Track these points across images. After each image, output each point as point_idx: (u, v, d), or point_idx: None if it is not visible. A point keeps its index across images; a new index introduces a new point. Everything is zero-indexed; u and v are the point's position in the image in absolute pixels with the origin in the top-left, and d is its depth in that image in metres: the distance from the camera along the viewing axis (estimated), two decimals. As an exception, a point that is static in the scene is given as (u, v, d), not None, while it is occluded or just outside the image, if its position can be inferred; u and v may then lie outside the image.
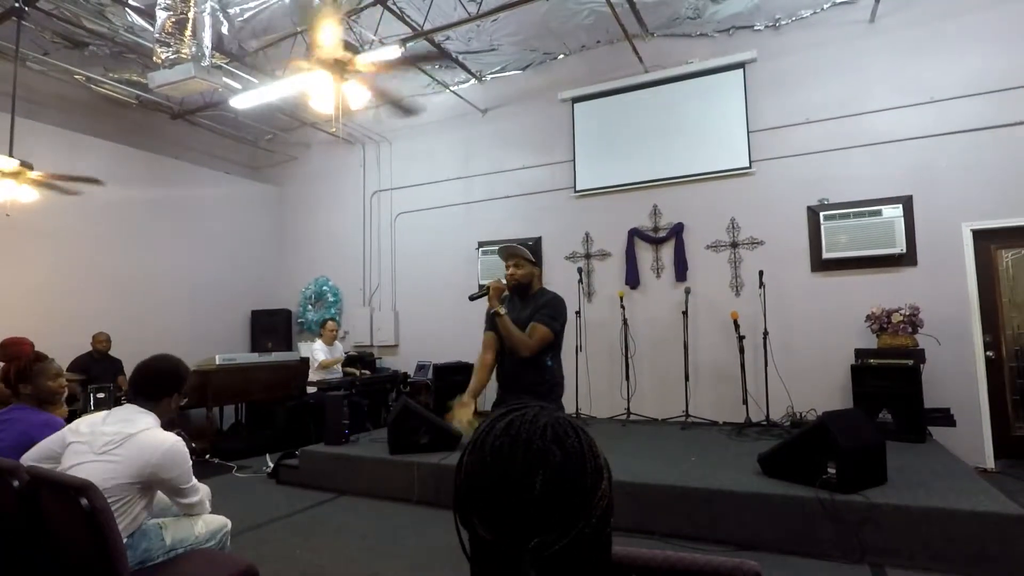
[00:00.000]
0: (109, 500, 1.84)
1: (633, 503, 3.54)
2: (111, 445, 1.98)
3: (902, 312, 4.93)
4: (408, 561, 3.31)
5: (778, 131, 5.86)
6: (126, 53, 6.06)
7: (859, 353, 5.09)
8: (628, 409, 5.96)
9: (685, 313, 5.87)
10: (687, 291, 5.95)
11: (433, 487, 4.27)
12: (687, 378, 5.73)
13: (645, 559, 0.97)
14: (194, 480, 2.20)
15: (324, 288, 8.44)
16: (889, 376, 4.74)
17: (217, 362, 6.01)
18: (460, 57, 6.31)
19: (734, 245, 5.97)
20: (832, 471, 3.22)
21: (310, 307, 8.48)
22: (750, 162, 5.92)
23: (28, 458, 2.16)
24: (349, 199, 8.45)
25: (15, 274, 5.93)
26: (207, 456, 5.71)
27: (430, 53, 5.56)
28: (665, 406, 5.96)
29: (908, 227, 5.22)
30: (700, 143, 6.18)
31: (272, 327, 8.28)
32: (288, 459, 5.06)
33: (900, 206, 5.24)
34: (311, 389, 6.28)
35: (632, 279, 6.34)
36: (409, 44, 5.64)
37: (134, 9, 5.26)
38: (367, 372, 6.96)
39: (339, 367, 6.60)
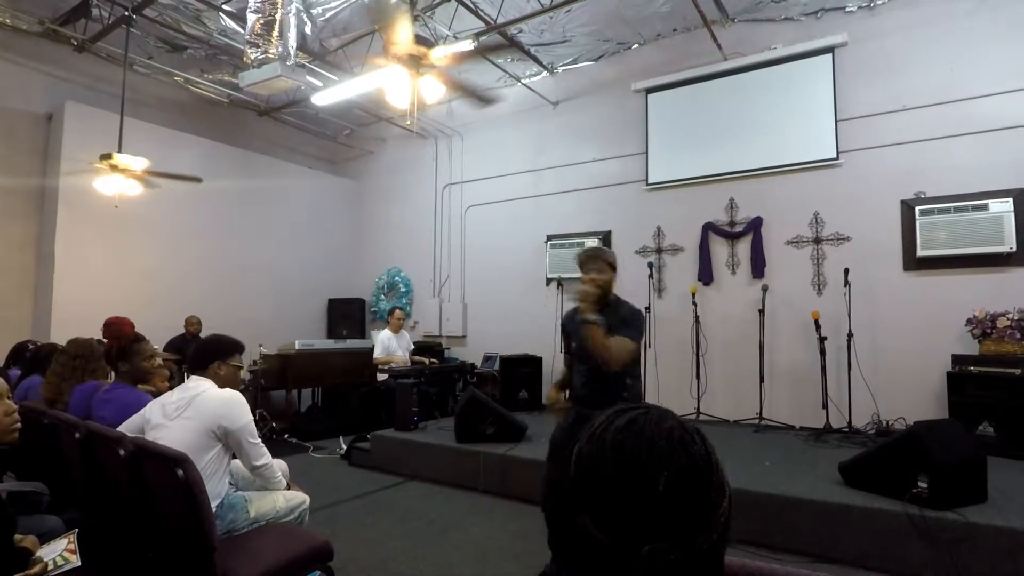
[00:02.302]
0: (200, 458, 2.07)
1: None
2: (180, 409, 2.23)
3: (1009, 316, 4.51)
4: (472, 548, 3.36)
5: (870, 119, 5.47)
6: (219, 55, 6.45)
7: (957, 360, 4.70)
8: (698, 408, 5.79)
9: (761, 311, 5.62)
10: (764, 288, 5.69)
11: (498, 477, 4.32)
12: (762, 379, 5.49)
13: (750, 572, 0.91)
14: (259, 441, 2.34)
15: (396, 279, 8.70)
16: (992, 386, 4.35)
17: (296, 347, 6.33)
18: (532, 49, 6.29)
19: (817, 241, 5.65)
20: (923, 485, 2.99)
21: (383, 297, 8.77)
22: (837, 153, 5.57)
23: (121, 430, 2.37)
24: (421, 192, 8.64)
25: (121, 260, 6.47)
26: (286, 435, 6.03)
27: (500, 43, 5.57)
28: (737, 407, 5.74)
29: (1020, 223, 4.75)
30: (782, 133, 5.87)
31: (348, 315, 8.63)
32: (360, 442, 5.27)
33: (1010, 200, 4.77)
34: (382, 376, 6.49)
35: (705, 275, 6.14)
36: (482, 38, 5.69)
37: (227, 13, 5.59)
38: (435, 361, 7.11)
39: (406, 355, 6.77)
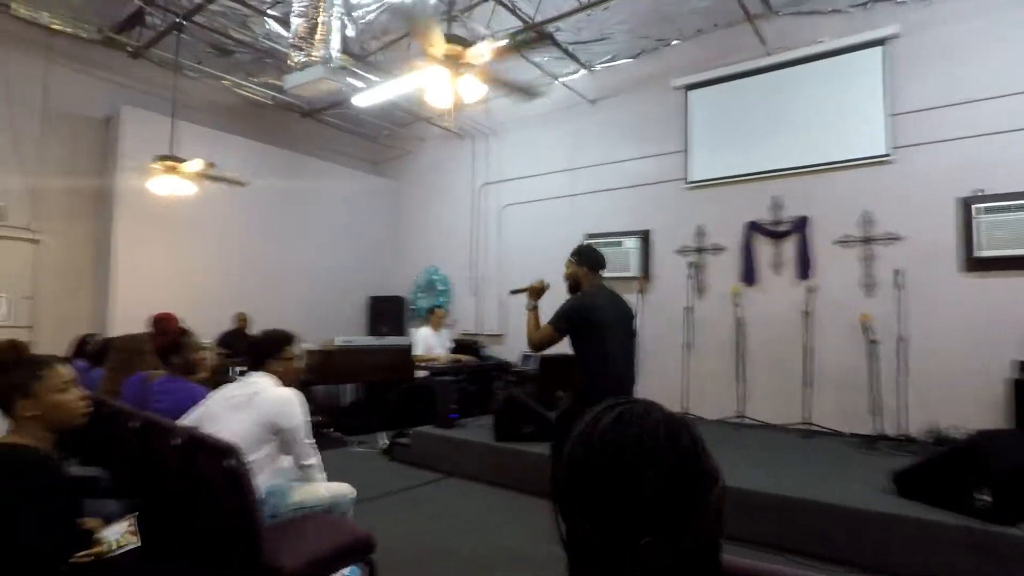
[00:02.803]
0: (253, 449, 2.19)
1: (743, 512, 3.35)
2: (241, 403, 2.35)
3: (1078, 320, 4.26)
4: (509, 547, 3.37)
5: (924, 114, 5.25)
6: (264, 58, 6.63)
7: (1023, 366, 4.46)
8: (742, 413, 5.66)
9: (807, 313, 5.46)
10: (810, 289, 5.53)
11: (536, 476, 4.30)
12: (808, 383, 5.33)
13: (758, 571, 0.91)
14: (312, 441, 2.44)
15: (434, 277, 8.79)
16: (1059, 393, 4.12)
17: (337, 343, 6.46)
18: (570, 47, 6.26)
19: (867, 241, 5.45)
20: (985, 498, 2.85)
21: (421, 295, 8.87)
22: (888, 149, 5.36)
23: (183, 422, 2.46)
24: (459, 191, 8.71)
25: (173, 258, 6.73)
26: (329, 429, 6.16)
27: (534, 38, 5.55)
28: (782, 411, 5.59)
29: (1090, 221, 4.49)
30: (828, 130, 5.69)
31: (387, 313, 8.76)
32: (401, 438, 5.34)
33: (1080, 197, 4.51)
34: (421, 373, 6.56)
35: (748, 275, 5.99)
36: (519, 37, 5.70)
37: (272, 18, 5.75)
38: (474, 359, 7.15)
39: (445, 353, 6.83)
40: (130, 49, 6.33)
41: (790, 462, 4.14)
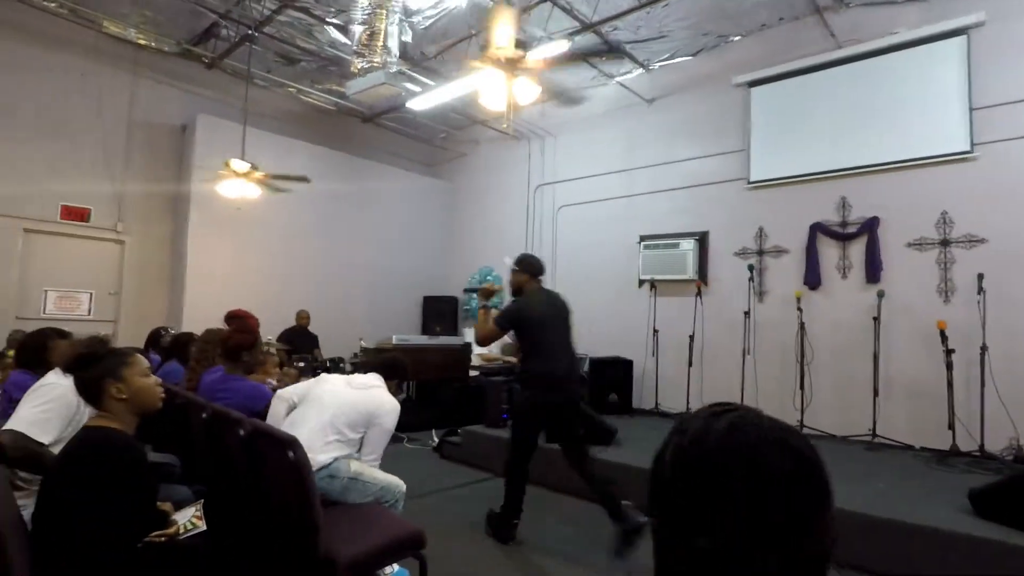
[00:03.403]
0: (343, 424, 2.61)
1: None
2: (362, 387, 2.79)
3: None
4: (559, 550, 3.36)
5: (1012, 107, 4.88)
6: (328, 66, 6.88)
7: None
8: (801, 421, 5.42)
9: (876, 319, 5.18)
10: (880, 294, 5.24)
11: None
12: (876, 392, 5.06)
13: None
14: (383, 445, 2.78)
15: (488, 278, 8.86)
16: None
17: (393, 341, 6.61)
18: (627, 46, 6.18)
19: (945, 243, 5.12)
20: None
21: (475, 296, 8.97)
22: (971, 145, 5.01)
23: (285, 393, 2.84)
24: (514, 193, 8.75)
25: (241, 258, 7.08)
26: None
27: (598, 48, 5.53)
28: (846, 421, 5.32)
29: None
30: (902, 125, 5.37)
31: (441, 313, 8.90)
32: (452, 436, 5.42)
33: None
34: (474, 372, 6.64)
35: (813, 278, 5.74)
36: (576, 37, 5.68)
37: (335, 26, 5.95)
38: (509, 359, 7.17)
39: (498, 351, 6.88)
40: (206, 60, 6.72)
41: (855, 475, 3.94)
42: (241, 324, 3.26)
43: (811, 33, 5.60)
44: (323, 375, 2.93)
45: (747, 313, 5.90)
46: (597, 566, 3.15)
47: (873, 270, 5.40)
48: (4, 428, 2.18)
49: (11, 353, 3.67)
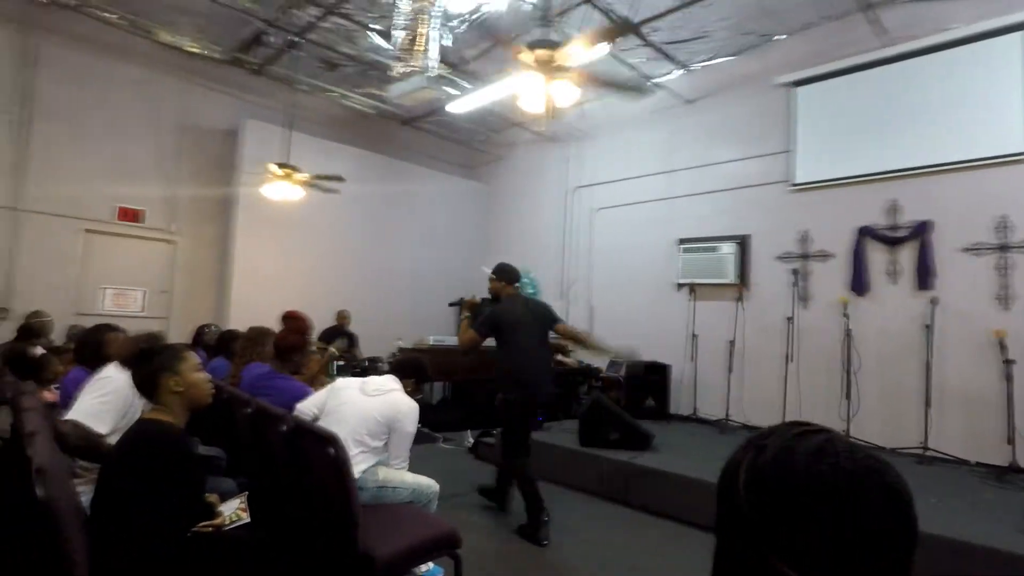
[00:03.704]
0: (365, 434, 2.58)
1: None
2: (377, 393, 2.71)
3: None
4: (591, 553, 3.34)
5: (1079, 105, 4.63)
6: (369, 71, 7.01)
7: None
8: (847, 431, 5.24)
9: (929, 327, 4.98)
10: (933, 301, 5.03)
11: (621, 484, 4.24)
12: (928, 403, 4.85)
13: None
14: (408, 448, 2.74)
15: (524, 280, 8.86)
16: None
17: (429, 342, 6.69)
18: (666, 47, 6.10)
19: (1003, 248, 4.87)
20: None
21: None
22: (1032, 146, 4.77)
23: (303, 406, 2.80)
24: (550, 195, 8.74)
25: (284, 259, 7.28)
26: (419, 425, 6.40)
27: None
28: (895, 433, 5.12)
29: None
30: (957, 126, 5.15)
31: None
32: (486, 437, 5.44)
33: None
34: (508, 375, 6.63)
35: (859, 284, 5.55)
36: (615, 39, 5.63)
37: (376, 32, 6.06)
38: (564, 361, 7.14)
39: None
40: (253, 67, 6.93)
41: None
42: (295, 325, 3.37)
43: (859, 31, 5.43)
44: (338, 383, 2.85)
45: (790, 319, 5.75)
46: (632, 569, 3.11)
47: (925, 276, 5.19)
48: (64, 418, 2.30)
49: (71, 346, 3.87)
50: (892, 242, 5.43)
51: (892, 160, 5.48)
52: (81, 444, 2.21)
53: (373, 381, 2.82)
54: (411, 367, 2.97)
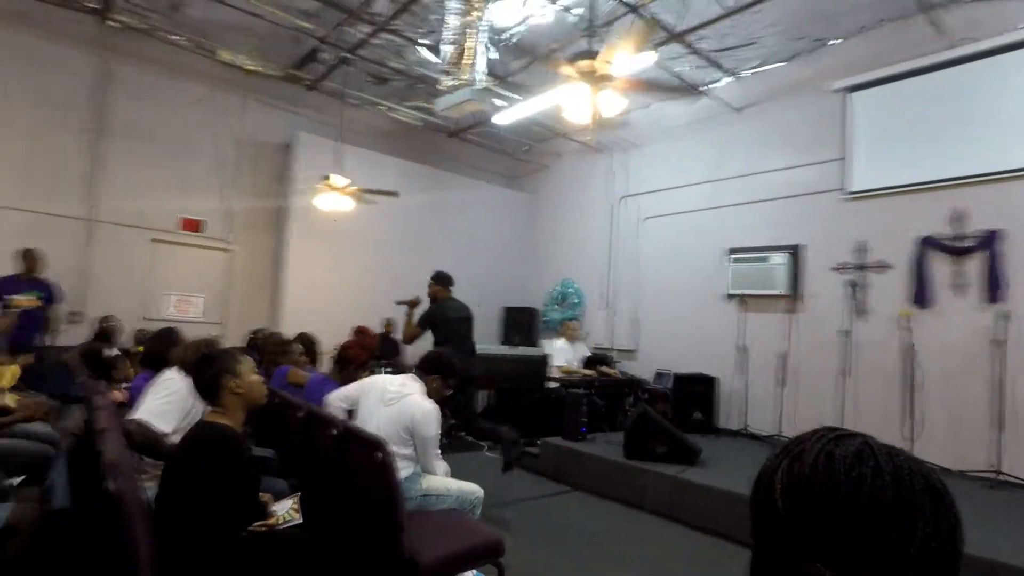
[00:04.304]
0: (395, 445, 2.45)
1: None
2: (393, 400, 2.65)
3: None
4: (636, 569, 3.28)
5: None
6: (416, 84, 7.18)
7: None
8: (911, 451, 4.98)
9: (998, 342, 4.70)
10: (1003, 315, 4.75)
11: (667, 499, 4.15)
12: (1001, 425, 4.57)
13: None
14: (439, 453, 2.70)
15: (568, 290, 8.85)
16: None
17: (473, 351, 6.73)
18: (714, 56, 6.01)
19: (1083, 259, 4.57)
20: None
21: (555, 307, 8.98)
22: (1116, 149, 4.46)
23: (332, 397, 2.83)
24: (596, 204, 8.71)
25: (334, 267, 7.50)
26: (462, 433, 6.43)
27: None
28: (961, 455, 4.84)
29: None
30: (1028, 129, 4.87)
31: (520, 323, 8.97)
32: (529, 447, 5.42)
33: None
34: (552, 384, 6.63)
35: (922, 296, 5.29)
36: (661, 48, 5.59)
37: (425, 46, 6.21)
38: (611, 372, 7.08)
39: (579, 365, 6.84)
40: (306, 83, 7.20)
41: (975, 515, 3.56)
42: (365, 341, 3.47)
43: (918, 33, 5.21)
44: (366, 381, 2.83)
45: (846, 332, 5.53)
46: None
47: (994, 288, 4.90)
48: (131, 418, 2.43)
49: (139, 348, 4.09)
50: (958, 252, 5.16)
51: (956, 167, 5.22)
52: (145, 442, 2.33)
53: (391, 384, 2.75)
54: (436, 363, 2.86)
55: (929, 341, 5.19)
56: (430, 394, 2.75)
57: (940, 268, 5.28)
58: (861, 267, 5.77)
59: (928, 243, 5.32)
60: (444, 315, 4.72)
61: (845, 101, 6.01)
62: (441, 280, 5.14)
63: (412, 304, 5.02)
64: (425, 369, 2.82)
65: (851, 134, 5.95)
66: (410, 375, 2.79)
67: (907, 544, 0.51)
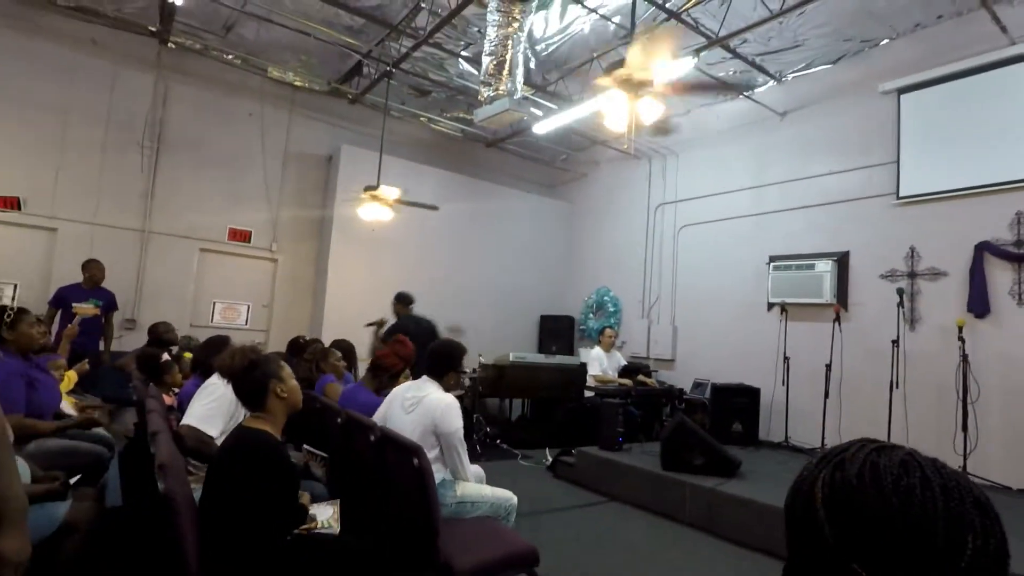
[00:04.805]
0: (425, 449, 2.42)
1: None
2: (413, 405, 2.68)
3: None
4: (676, 583, 3.22)
5: None
6: (456, 96, 7.30)
7: None
8: (964, 467, 4.75)
9: (1064, 355, 4.43)
10: (1069, 326, 4.48)
11: (705, 511, 4.07)
12: (1064, 441, 4.31)
13: None
14: (466, 455, 2.69)
15: (605, 298, 8.79)
16: None
17: (511, 359, 6.76)
18: (758, 59, 5.90)
19: None
20: None
21: (591, 315, 8.92)
22: None
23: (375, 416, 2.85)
24: (633, 212, 8.64)
25: (375, 276, 7.65)
26: (498, 440, 6.46)
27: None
28: (1023, 472, 4.59)
29: None
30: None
31: (557, 332, 8.95)
32: (565, 456, 5.40)
33: None
34: (588, 393, 6.59)
35: (978, 305, 5.05)
36: (703, 53, 5.53)
37: (464, 59, 6.31)
38: (649, 382, 6.99)
39: (615, 374, 6.78)
40: (349, 96, 7.41)
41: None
42: (402, 351, 3.49)
43: (976, 30, 5.00)
44: (391, 394, 2.86)
45: (895, 342, 5.31)
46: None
47: (1059, 297, 4.64)
48: (181, 423, 2.55)
49: (187, 355, 4.27)
50: (1018, 259, 4.91)
51: (1018, 169, 4.98)
52: (196, 446, 2.44)
53: (408, 392, 2.77)
54: (441, 362, 2.80)
55: (986, 352, 4.95)
56: (448, 389, 2.78)
57: (998, 275, 5.03)
58: (912, 274, 5.55)
59: (985, 249, 5.08)
60: (405, 328, 5.36)
61: (895, 103, 5.81)
62: (401, 299, 6.15)
63: (379, 325, 5.96)
64: (437, 373, 2.79)
65: (901, 137, 5.74)
66: (423, 378, 2.80)
67: (958, 556, 0.51)
